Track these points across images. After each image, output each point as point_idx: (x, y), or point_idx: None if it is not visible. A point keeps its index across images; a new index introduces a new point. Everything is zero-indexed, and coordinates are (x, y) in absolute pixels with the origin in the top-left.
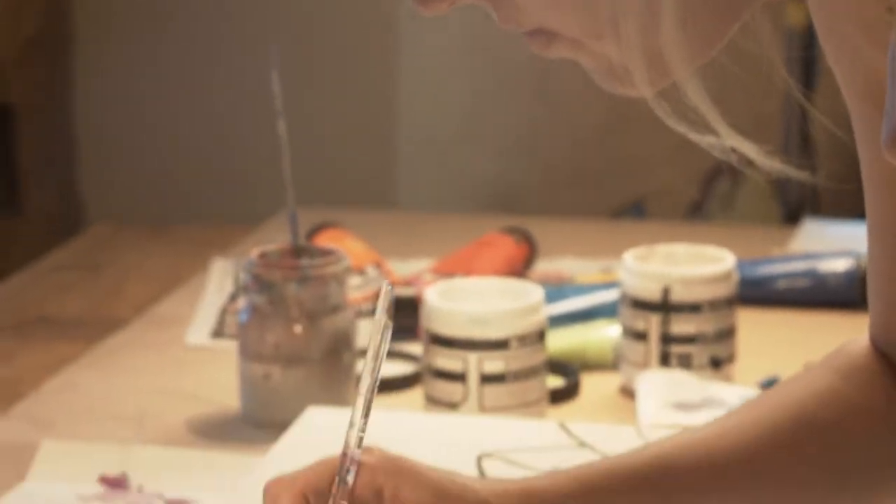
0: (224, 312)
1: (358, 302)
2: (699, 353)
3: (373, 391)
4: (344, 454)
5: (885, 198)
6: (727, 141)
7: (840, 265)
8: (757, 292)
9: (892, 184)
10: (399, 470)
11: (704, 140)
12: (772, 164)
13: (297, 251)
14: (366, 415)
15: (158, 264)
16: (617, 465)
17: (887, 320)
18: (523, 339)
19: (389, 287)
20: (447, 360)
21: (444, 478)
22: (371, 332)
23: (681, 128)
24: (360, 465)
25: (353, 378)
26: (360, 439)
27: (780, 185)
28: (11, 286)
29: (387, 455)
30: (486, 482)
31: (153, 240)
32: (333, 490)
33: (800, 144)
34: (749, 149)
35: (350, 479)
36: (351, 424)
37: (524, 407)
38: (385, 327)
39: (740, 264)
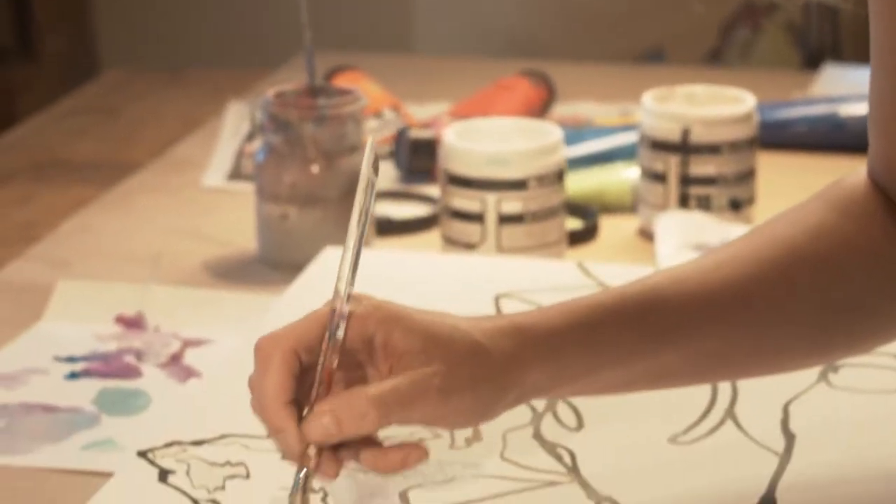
0: (240, 155)
1: (375, 145)
2: (719, 195)
3: (360, 245)
4: (332, 309)
5: (889, 20)
6: None
7: (860, 109)
8: (777, 136)
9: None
10: (388, 317)
11: None
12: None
13: (314, 91)
14: (353, 269)
15: (174, 108)
16: (609, 298)
17: (886, 154)
18: (542, 180)
19: (373, 142)
20: (465, 201)
21: (434, 320)
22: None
23: None
24: (350, 314)
25: (370, 219)
26: (349, 294)
27: (799, 32)
28: (26, 130)
29: (375, 303)
30: (475, 321)
31: (169, 84)
32: (324, 347)
33: None
34: None
35: (340, 333)
36: (339, 278)
37: (542, 248)
38: (370, 182)
39: (761, 108)
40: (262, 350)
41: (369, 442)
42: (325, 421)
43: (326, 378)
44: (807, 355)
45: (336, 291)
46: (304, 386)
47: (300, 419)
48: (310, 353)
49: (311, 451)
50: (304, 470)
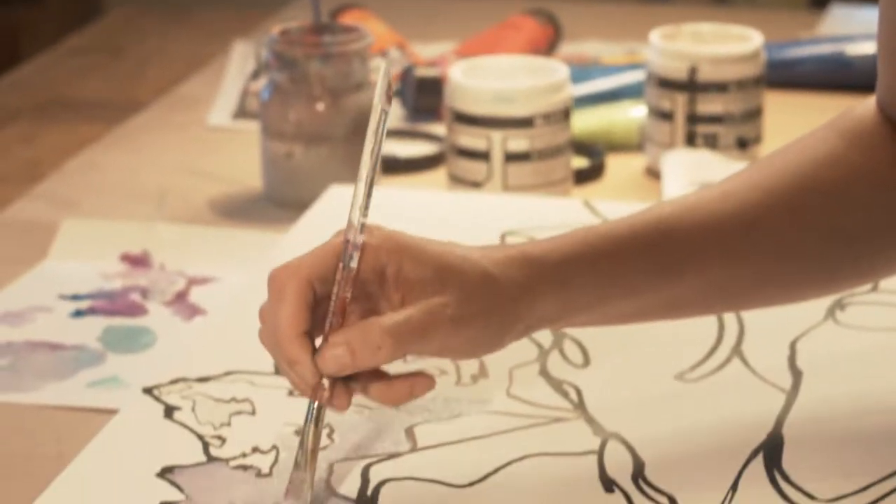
0: (245, 93)
1: None
2: (725, 133)
3: (373, 175)
4: (346, 239)
5: None
6: None
7: (867, 48)
8: (784, 75)
9: None
10: (400, 247)
11: None
12: None
13: (320, 28)
14: (367, 198)
15: (179, 48)
16: (618, 228)
17: (894, 84)
18: (548, 117)
19: (387, 69)
20: (471, 139)
21: (445, 250)
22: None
23: None
24: (362, 245)
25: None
26: (363, 224)
27: None
28: (31, 69)
29: (387, 234)
30: (486, 251)
31: (174, 24)
32: (338, 276)
33: None
34: None
35: (353, 263)
36: (352, 208)
37: (548, 186)
38: (383, 111)
39: (768, 47)
40: (277, 280)
41: (377, 374)
42: (339, 352)
43: (340, 309)
44: (814, 285)
45: (349, 221)
46: (317, 318)
47: (313, 351)
48: (324, 283)
49: (325, 382)
50: (317, 402)
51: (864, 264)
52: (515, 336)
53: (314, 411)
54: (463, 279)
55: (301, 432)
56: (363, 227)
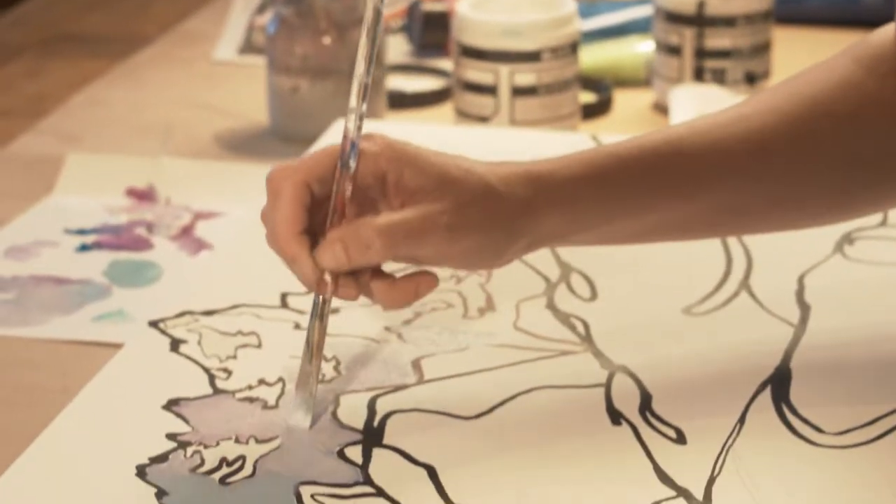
0: (251, 27)
1: (387, 19)
2: (734, 68)
3: (368, 74)
4: (345, 139)
5: None
6: None
7: None
8: (793, 10)
9: None
10: (402, 155)
11: None
12: None
13: None
14: (363, 98)
15: None
16: (627, 148)
17: None
18: (556, 52)
19: None
20: (478, 73)
21: (448, 161)
22: (365, 11)
23: None
24: (362, 151)
25: (382, 92)
26: (360, 125)
27: None
28: (35, 4)
29: (389, 141)
30: (491, 165)
31: None
32: (336, 176)
33: None
34: None
35: (352, 164)
36: (349, 109)
37: (555, 121)
38: (378, 4)
39: None
40: (273, 181)
41: (381, 275)
42: (334, 249)
43: (340, 207)
44: (826, 211)
45: (347, 122)
46: (319, 218)
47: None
48: (322, 184)
49: (328, 277)
50: (322, 297)
51: (876, 191)
52: (518, 252)
53: (319, 306)
54: (463, 189)
55: (308, 326)
56: (361, 123)
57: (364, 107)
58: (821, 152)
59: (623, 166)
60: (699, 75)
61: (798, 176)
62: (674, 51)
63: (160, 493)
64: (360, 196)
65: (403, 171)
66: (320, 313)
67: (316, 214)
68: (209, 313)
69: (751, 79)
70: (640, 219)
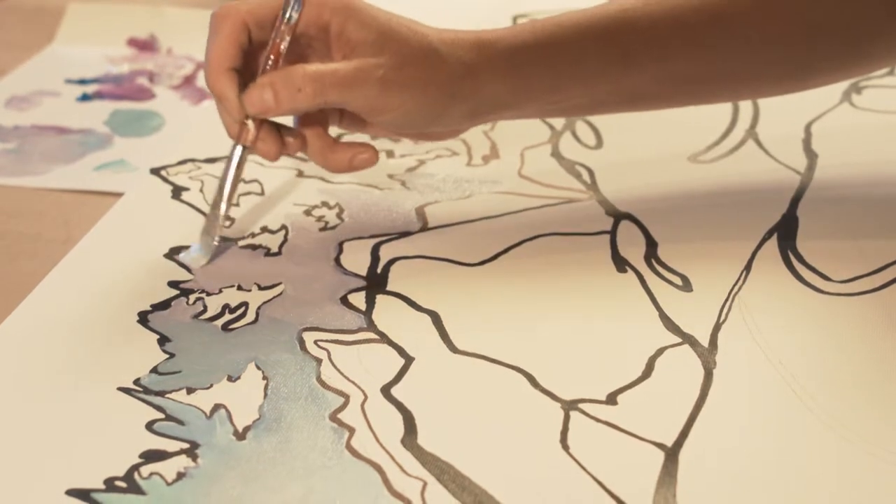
0: None
1: None
2: None
3: None
4: None
5: None
6: None
7: None
8: None
9: None
10: (345, 7)
11: None
12: None
13: None
14: None
15: None
16: (577, 17)
17: None
18: None
19: None
20: None
21: (392, 19)
22: None
23: None
24: (306, 1)
25: None
26: None
27: None
28: None
29: None
30: (439, 30)
31: None
32: (277, 24)
33: None
34: None
35: (294, 15)
36: None
37: None
38: None
39: None
40: (215, 18)
41: (324, 136)
42: (263, 92)
43: (275, 55)
44: (782, 79)
45: None
46: (254, 68)
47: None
48: (261, 28)
49: (250, 124)
50: (240, 145)
51: (836, 59)
52: (462, 116)
53: (236, 152)
54: (403, 46)
55: (222, 173)
56: None
57: None
58: (777, 19)
59: (573, 34)
60: None
61: (754, 47)
62: None
63: (162, 340)
64: (301, 47)
65: (347, 23)
66: (236, 159)
67: (252, 62)
68: (212, 160)
69: None
70: (590, 88)
